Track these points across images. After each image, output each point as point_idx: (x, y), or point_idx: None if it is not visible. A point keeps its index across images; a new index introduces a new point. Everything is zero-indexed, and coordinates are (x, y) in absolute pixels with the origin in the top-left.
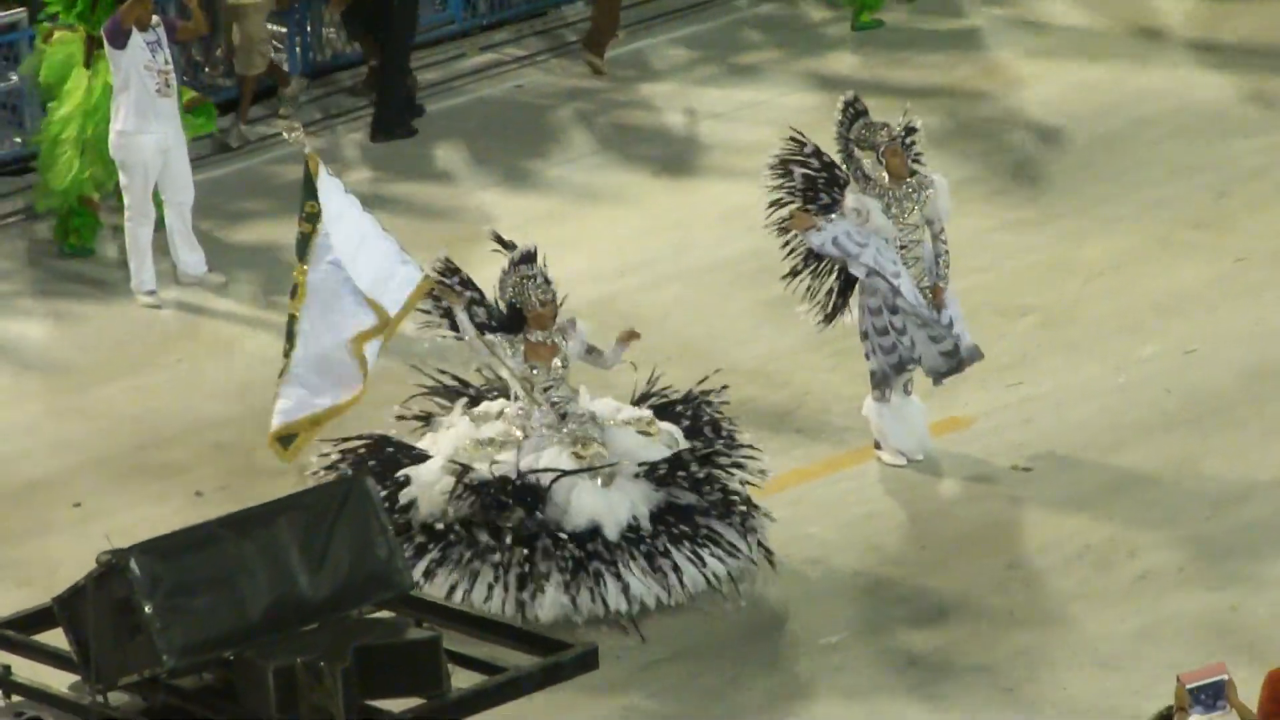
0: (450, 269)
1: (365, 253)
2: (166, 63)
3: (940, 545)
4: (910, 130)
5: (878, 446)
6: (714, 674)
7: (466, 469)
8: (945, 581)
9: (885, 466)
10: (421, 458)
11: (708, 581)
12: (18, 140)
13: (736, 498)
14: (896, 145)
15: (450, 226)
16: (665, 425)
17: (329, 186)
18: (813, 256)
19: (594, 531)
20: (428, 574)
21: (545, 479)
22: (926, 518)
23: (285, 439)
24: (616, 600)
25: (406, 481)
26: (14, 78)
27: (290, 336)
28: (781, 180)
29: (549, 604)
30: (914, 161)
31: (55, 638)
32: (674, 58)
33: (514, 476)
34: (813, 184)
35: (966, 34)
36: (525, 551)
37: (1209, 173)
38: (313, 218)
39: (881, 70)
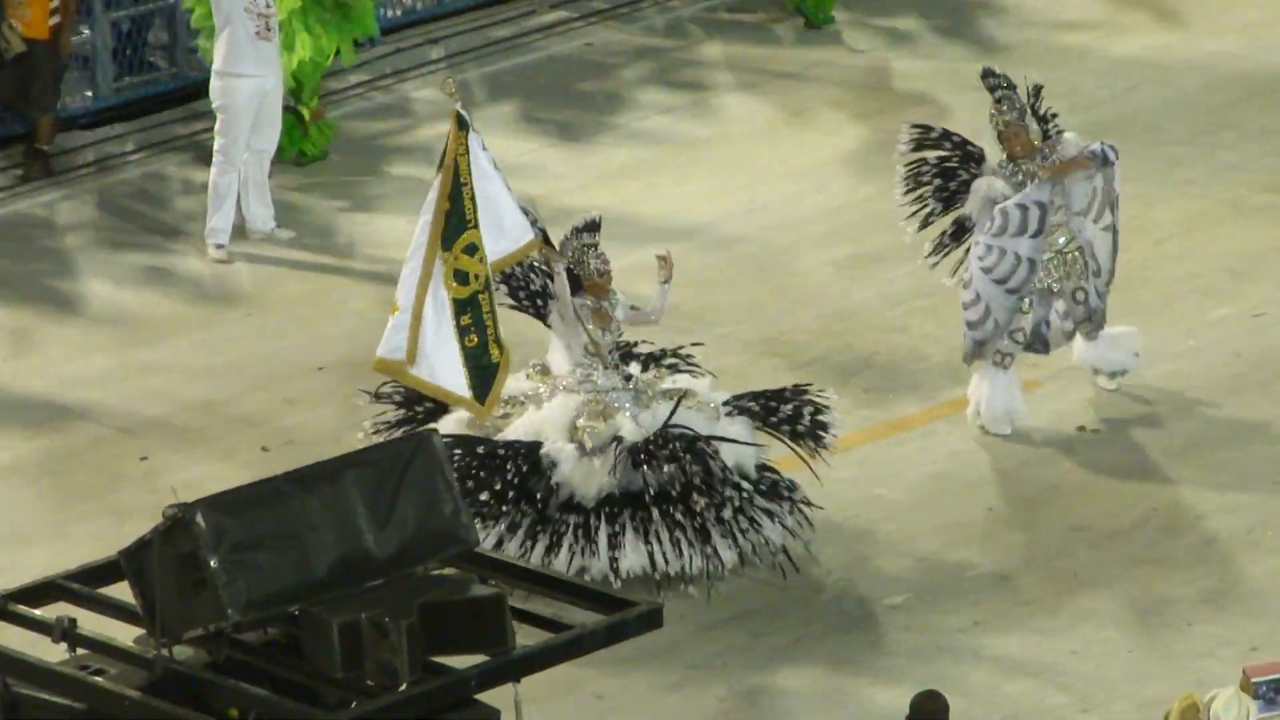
0: (531, 217)
1: (491, 207)
2: (268, 6)
3: (1006, 507)
4: (1037, 90)
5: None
6: (778, 634)
7: (617, 439)
8: (1011, 543)
9: (955, 427)
10: (492, 446)
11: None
12: (89, 94)
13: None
14: (1016, 128)
15: (518, 185)
16: (699, 388)
17: (474, 146)
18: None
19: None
20: (613, 557)
21: (699, 430)
22: (993, 479)
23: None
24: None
25: (550, 464)
26: (85, 31)
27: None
28: (917, 167)
29: (729, 555)
30: (1044, 123)
31: (121, 591)
32: (740, 17)
33: (666, 433)
34: (947, 164)
35: None
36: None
37: None
38: (455, 196)
39: (949, 29)
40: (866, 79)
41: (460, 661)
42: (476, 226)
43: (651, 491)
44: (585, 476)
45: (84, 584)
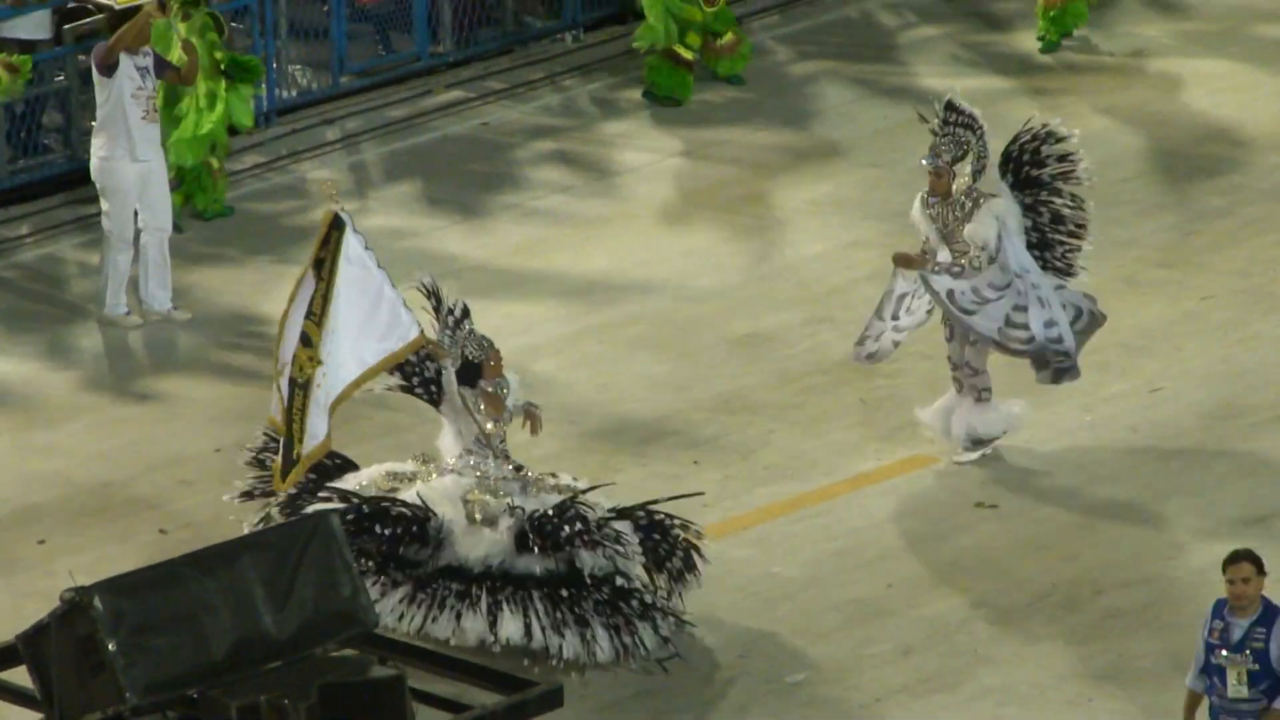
0: (432, 290)
1: (372, 307)
2: (154, 90)
3: (906, 583)
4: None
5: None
6: (679, 713)
7: (512, 508)
8: (911, 619)
9: (853, 504)
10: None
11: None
12: None
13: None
14: (933, 166)
15: (415, 264)
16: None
17: (351, 243)
18: None
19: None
20: (492, 621)
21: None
22: (892, 555)
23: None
24: (653, 642)
25: (438, 531)
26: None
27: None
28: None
29: (606, 647)
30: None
31: (19, 676)
32: (636, 98)
33: (563, 512)
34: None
35: (907, 78)
36: (571, 592)
37: (1174, 212)
38: (319, 264)
39: (856, 100)
40: (762, 156)
41: None
42: (318, 322)
43: (538, 573)
44: (473, 543)
45: None
